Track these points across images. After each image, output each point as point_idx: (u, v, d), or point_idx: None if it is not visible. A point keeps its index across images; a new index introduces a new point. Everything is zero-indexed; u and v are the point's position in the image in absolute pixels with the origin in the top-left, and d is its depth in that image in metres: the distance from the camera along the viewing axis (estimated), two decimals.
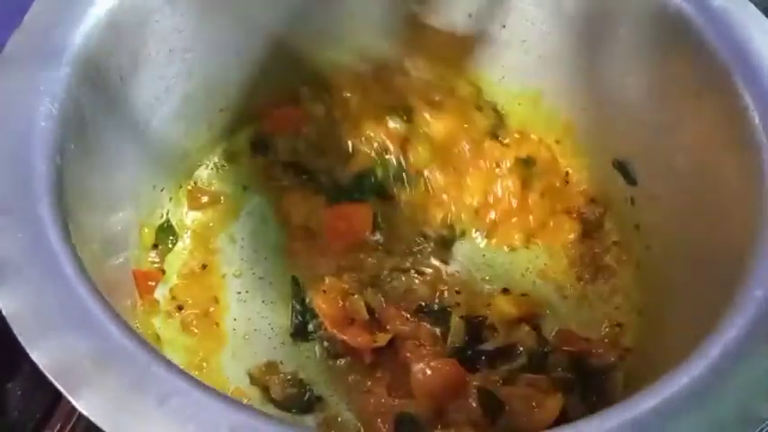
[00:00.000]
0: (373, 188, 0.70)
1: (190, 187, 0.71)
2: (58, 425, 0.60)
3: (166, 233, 0.67)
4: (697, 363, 0.40)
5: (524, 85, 0.73)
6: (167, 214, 0.68)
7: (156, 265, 0.65)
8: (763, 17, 0.56)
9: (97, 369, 0.37)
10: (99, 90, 0.54)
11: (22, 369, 0.61)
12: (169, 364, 0.38)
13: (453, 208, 0.69)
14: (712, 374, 0.40)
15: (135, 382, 0.37)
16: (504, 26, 0.69)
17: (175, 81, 0.63)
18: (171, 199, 0.69)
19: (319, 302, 0.62)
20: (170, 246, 0.67)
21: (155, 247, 0.66)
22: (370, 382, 0.61)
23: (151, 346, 0.39)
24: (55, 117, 0.48)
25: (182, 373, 0.38)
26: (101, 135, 0.55)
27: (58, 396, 0.36)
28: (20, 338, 0.37)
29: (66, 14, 0.52)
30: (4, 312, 0.39)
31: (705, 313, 0.48)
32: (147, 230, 0.65)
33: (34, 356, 0.37)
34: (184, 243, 0.68)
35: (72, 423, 0.60)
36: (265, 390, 0.61)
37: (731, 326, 0.42)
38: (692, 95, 0.57)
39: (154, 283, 0.63)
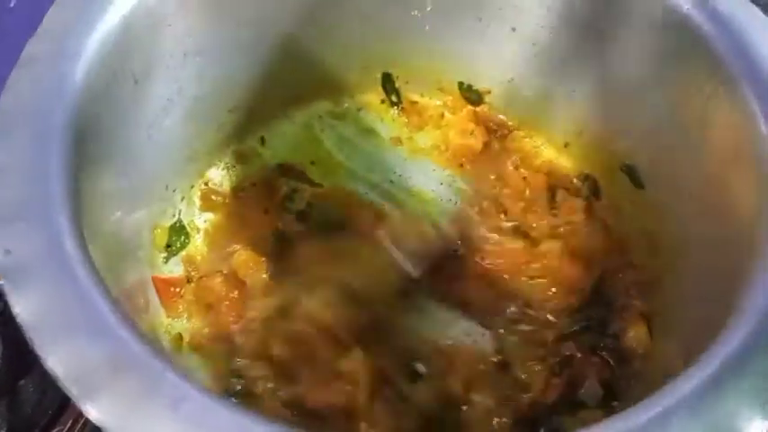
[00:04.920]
0: None
1: (202, 187, 0.72)
2: (70, 421, 0.61)
3: (179, 233, 0.68)
4: (697, 373, 0.40)
5: (533, 88, 0.73)
6: (179, 214, 0.69)
7: (177, 272, 0.66)
8: None
9: (111, 376, 0.38)
10: (114, 94, 0.55)
11: (34, 366, 0.62)
12: (183, 371, 0.39)
13: None
14: (712, 384, 0.40)
15: (148, 389, 0.38)
16: (513, 29, 0.70)
17: (187, 83, 0.64)
18: (183, 199, 0.70)
19: None
20: (182, 245, 0.68)
21: (167, 247, 0.67)
22: None
23: (165, 353, 0.40)
24: (71, 121, 0.49)
25: (195, 380, 0.39)
26: (116, 138, 0.56)
27: None
28: (34, 346, 0.38)
29: (83, 18, 0.53)
30: (18, 319, 0.39)
31: (709, 321, 0.48)
32: (159, 231, 0.66)
33: (49, 364, 0.38)
34: (196, 244, 0.69)
35: (84, 419, 0.61)
36: None
37: (733, 336, 0.42)
38: (701, 102, 0.58)
39: (179, 289, 0.64)
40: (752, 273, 0.46)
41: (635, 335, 0.64)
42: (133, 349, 0.39)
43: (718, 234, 0.55)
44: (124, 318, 0.41)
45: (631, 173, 0.68)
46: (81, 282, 0.41)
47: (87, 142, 0.50)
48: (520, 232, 0.70)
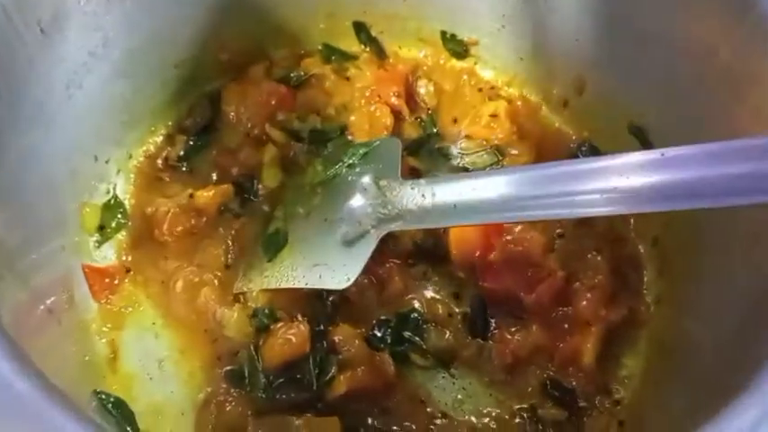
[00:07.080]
0: None
1: (141, 158, 0.61)
2: None
3: (113, 211, 0.58)
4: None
5: (527, 35, 0.63)
6: (114, 189, 0.59)
7: (115, 260, 0.57)
8: None
9: None
10: (13, 47, 0.45)
11: None
12: (73, 412, 0.30)
13: None
14: None
15: None
16: None
17: (115, 33, 0.54)
18: (119, 171, 0.60)
19: None
20: (120, 225, 0.58)
21: (101, 228, 0.57)
22: None
23: (56, 390, 0.30)
24: None
25: (91, 423, 0.30)
26: (19, 102, 0.47)
27: None
28: None
29: None
30: None
31: (739, 302, 0.41)
32: (89, 210, 0.57)
33: None
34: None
35: None
36: None
37: None
38: (729, 49, 0.49)
39: (116, 281, 0.56)
40: None
41: None
42: (15, 389, 0.30)
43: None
44: (9, 345, 0.31)
45: (640, 135, 0.59)
46: None
47: None
48: None
